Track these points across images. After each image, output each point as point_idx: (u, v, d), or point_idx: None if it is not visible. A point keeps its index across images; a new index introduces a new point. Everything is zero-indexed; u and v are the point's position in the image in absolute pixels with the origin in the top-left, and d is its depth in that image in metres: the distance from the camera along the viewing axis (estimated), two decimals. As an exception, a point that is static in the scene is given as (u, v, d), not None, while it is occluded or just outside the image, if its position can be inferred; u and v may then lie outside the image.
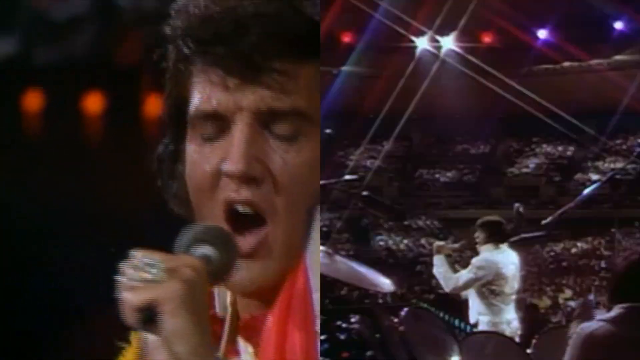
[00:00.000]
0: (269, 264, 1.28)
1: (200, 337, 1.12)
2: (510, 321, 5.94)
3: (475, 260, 5.99)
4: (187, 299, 1.12)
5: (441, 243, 6.27)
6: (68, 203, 4.00)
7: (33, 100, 4.84)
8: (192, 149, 1.30)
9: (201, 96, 1.28)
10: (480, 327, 5.81)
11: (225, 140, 1.27)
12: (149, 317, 1.10)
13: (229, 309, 1.34)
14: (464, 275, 5.92)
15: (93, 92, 5.03)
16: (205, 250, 1.20)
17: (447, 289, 6.03)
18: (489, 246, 6.03)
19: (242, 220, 1.27)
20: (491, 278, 5.88)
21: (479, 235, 6.14)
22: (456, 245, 6.34)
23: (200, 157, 1.28)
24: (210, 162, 1.27)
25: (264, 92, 1.25)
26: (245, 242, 1.26)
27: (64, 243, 3.73)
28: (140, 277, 1.13)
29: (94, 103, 5.02)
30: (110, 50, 5.10)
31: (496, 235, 6.07)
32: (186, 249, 1.20)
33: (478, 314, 5.97)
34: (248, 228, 1.27)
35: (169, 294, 1.12)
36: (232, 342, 1.33)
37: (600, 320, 2.84)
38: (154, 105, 4.56)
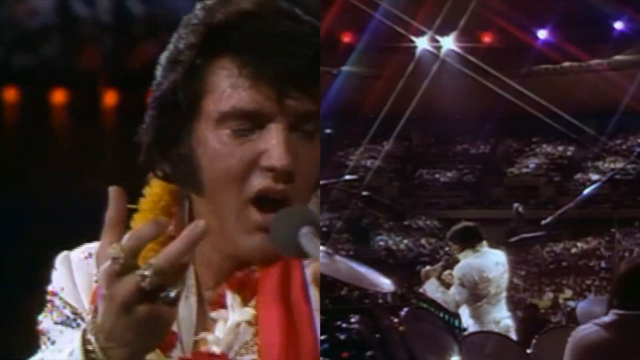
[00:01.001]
0: None
1: None
2: (499, 320, 5.92)
3: (456, 272, 5.98)
4: None
5: (427, 268, 6.24)
6: (37, 180, 4.77)
7: (10, 96, 5.87)
8: (216, 140, 1.48)
9: (243, 97, 1.47)
10: (470, 330, 5.80)
11: (260, 137, 1.47)
12: None
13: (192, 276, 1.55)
14: (455, 290, 5.91)
15: (59, 88, 6.10)
16: (312, 230, 1.39)
17: (452, 310, 5.99)
18: (466, 252, 6.01)
19: (267, 202, 1.48)
20: (474, 283, 5.87)
21: (452, 246, 6.13)
22: (442, 263, 6.32)
23: (228, 148, 1.48)
24: (244, 154, 1.47)
25: (303, 97, 1.48)
26: (268, 218, 1.46)
27: (33, 222, 4.27)
28: None
29: (60, 97, 6.08)
30: (74, 54, 6.20)
31: (469, 241, 6.04)
32: (299, 228, 1.40)
33: (468, 317, 5.97)
34: (272, 209, 1.47)
35: None
36: (216, 296, 1.53)
37: (595, 324, 2.84)
38: (109, 99, 5.88)
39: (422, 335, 4.67)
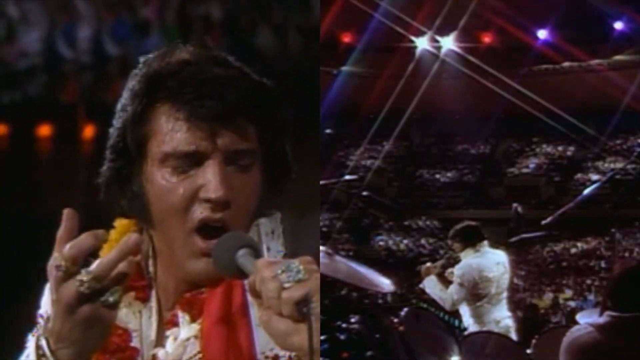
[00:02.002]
0: None
1: None
2: (499, 320, 5.92)
3: (456, 271, 5.98)
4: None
5: (427, 265, 6.26)
6: (26, 203, 5.35)
7: (0, 129, 6.59)
8: (161, 177, 1.67)
9: (181, 139, 1.65)
10: (470, 330, 5.81)
11: (198, 172, 1.66)
12: (304, 307, 1.45)
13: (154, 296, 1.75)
14: (453, 289, 5.91)
15: (44, 122, 6.80)
16: (248, 252, 1.56)
17: (448, 308, 6.00)
18: (468, 251, 6.01)
19: (209, 229, 1.67)
20: (474, 283, 5.87)
21: (454, 245, 6.13)
22: (442, 261, 6.33)
23: (171, 184, 1.67)
24: (185, 189, 1.66)
25: (234, 136, 1.67)
26: (211, 244, 1.64)
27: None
28: (292, 278, 1.46)
29: (45, 130, 6.76)
30: (57, 91, 7.00)
31: (470, 240, 6.04)
32: (236, 250, 1.56)
33: (469, 317, 5.97)
34: (214, 235, 1.65)
35: (316, 286, 1.48)
36: (171, 315, 1.72)
37: (589, 325, 2.84)
38: (88, 132, 6.45)
39: (422, 335, 4.67)
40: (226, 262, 1.57)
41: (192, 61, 1.69)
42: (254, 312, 1.64)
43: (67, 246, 1.54)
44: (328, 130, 17.99)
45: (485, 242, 6.09)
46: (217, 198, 1.64)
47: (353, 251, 21.45)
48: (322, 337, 4.40)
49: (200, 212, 1.66)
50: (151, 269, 1.76)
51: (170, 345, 1.70)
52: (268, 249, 1.72)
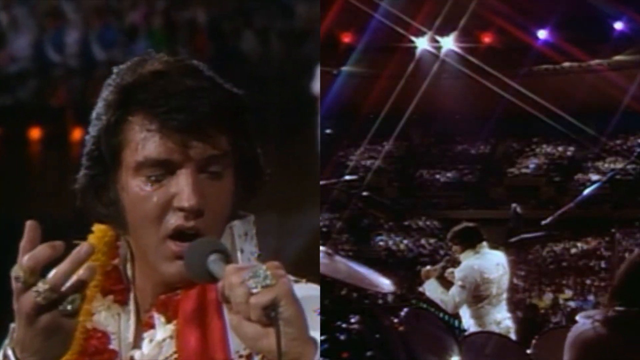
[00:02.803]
0: None
1: (304, 319, 1.54)
2: (500, 321, 5.92)
3: (457, 273, 5.98)
4: (292, 292, 1.52)
5: (427, 268, 6.27)
6: (15, 201, 5.42)
7: None
8: (136, 186, 1.71)
9: (153, 148, 1.69)
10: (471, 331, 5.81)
11: (172, 181, 1.70)
12: (272, 311, 1.49)
13: (132, 297, 1.79)
14: (455, 291, 5.91)
15: (35, 125, 7.03)
16: (219, 257, 1.59)
17: (450, 311, 6.00)
18: (467, 253, 6.01)
19: (183, 235, 1.70)
20: (476, 284, 5.86)
21: (453, 247, 6.13)
22: (442, 263, 6.34)
23: (146, 193, 1.70)
24: (159, 198, 1.70)
25: (206, 146, 1.70)
26: (184, 247, 1.68)
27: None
28: (259, 284, 1.51)
29: (35, 133, 6.99)
30: (47, 95, 7.39)
31: (470, 241, 6.04)
32: (207, 256, 1.59)
33: (469, 318, 5.97)
34: (187, 240, 1.68)
35: (283, 291, 1.51)
36: (148, 317, 1.75)
37: (595, 320, 2.84)
38: (77, 136, 6.40)
39: (422, 335, 4.67)
40: (197, 267, 1.61)
41: (163, 72, 1.73)
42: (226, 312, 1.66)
43: (25, 257, 1.57)
44: (328, 130, 18.00)
45: (485, 243, 6.09)
46: (190, 207, 1.68)
47: (353, 251, 21.45)
48: (322, 337, 4.39)
49: (174, 220, 1.70)
50: (129, 272, 1.81)
51: (146, 346, 1.75)
52: (242, 250, 1.77)
